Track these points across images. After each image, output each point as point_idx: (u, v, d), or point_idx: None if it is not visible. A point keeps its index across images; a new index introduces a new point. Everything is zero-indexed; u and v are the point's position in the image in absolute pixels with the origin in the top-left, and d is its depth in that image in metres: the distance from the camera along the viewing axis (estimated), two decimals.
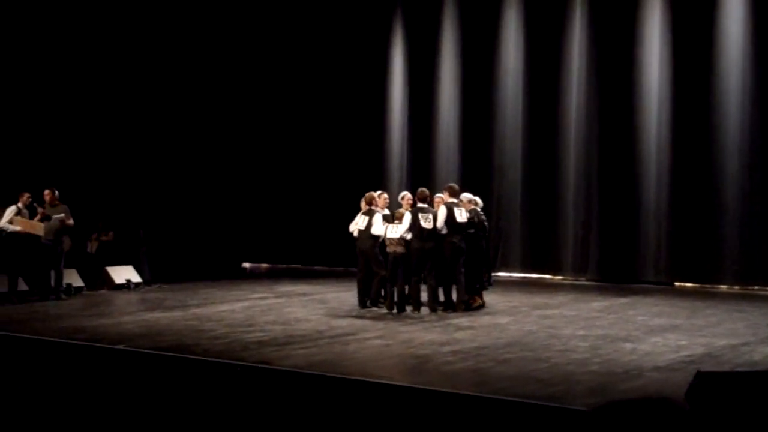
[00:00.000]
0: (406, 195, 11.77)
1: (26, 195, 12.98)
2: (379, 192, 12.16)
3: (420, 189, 11.63)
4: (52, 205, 13.09)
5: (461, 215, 11.24)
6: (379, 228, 11.38)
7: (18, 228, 12.70)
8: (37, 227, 12.75)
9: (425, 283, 11.37)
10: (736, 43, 14.55)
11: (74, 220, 13.28)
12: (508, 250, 16.75)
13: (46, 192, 13.14)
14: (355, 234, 11.76)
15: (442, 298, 11.57)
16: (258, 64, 19.42)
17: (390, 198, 12.33)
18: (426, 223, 11.11)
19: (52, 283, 13.08)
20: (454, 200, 11.39)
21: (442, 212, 11.19)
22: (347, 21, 18.57)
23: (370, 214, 11.62)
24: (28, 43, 15.85)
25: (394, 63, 18.27)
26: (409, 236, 11.17)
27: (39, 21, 15.93)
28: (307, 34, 19.01)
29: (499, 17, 16.89)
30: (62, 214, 13.03)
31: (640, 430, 1.85)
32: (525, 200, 16.62)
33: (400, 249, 11.26)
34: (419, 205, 11.34)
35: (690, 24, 14.96)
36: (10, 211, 12.83)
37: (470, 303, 11.56)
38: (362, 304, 11.72)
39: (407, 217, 11.21)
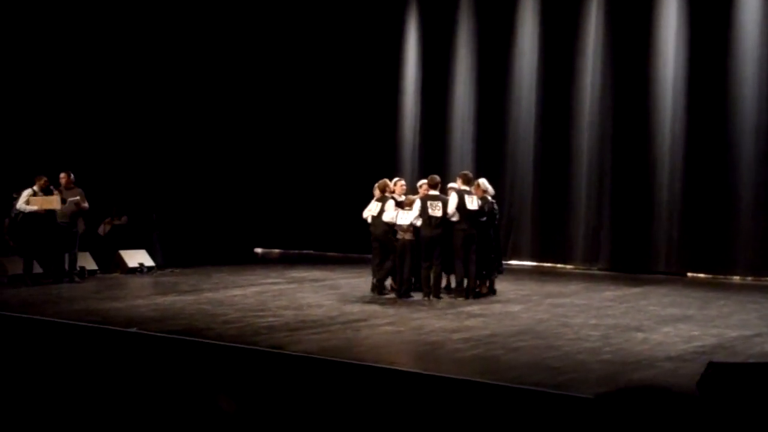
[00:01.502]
0: (424, 183, 11.75)
1: (43, 179, 13.04)
2: (396, 179, 12.15)
3: (430, 176, 11.63)
4: (68, 188, 13.17)
5: (472, 203, 11.22)
6: (390, 214, 11.39)
7: (34, 207, 12.77)
8: (54, 201, 12.81)
9: (434, 270, 11.38)
10: (752, 37, 14.43)
11: (89, 203, 13.35)
12: (519, 239, 16.73)
13: (62, 175, 13.23)
14: (369, 220, 11.78)
15: (452, 284, 11.60)
16: (273, 52, 19.41)
17: (406, 184, 12.30)
18: (434, 210, 11.11)
19: (66, 265, 13.16)
20: (467, 188, 11.37)
21: (453, 199, 11.19)
22: (362, 11, 18.53)
23: (383, 200, 11.63)
24: (47, 30, 15.90)
25: (408, 50, 18.22)
26: (419, 223, 11.18)
27: (56, 9, 15.96)
28: (321, 24, 18.98)
29: (515, 7, 16.81)
30: (77, 197, 13.10)
31: (645, 417, 1.85)
32: (537, 189, 16.58)
33: (408, 236, 11.28)
34: (430, 192, 11.34)
35: (706, 19, 14.84)
36: (27, 194, 12.90)
37: (480, 290, 11.59)
38: (375, 289, 11.75)
39: (417, 204, 11.21)
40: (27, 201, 12.80)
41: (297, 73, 19.39)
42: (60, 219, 12.90)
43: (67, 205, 12.96)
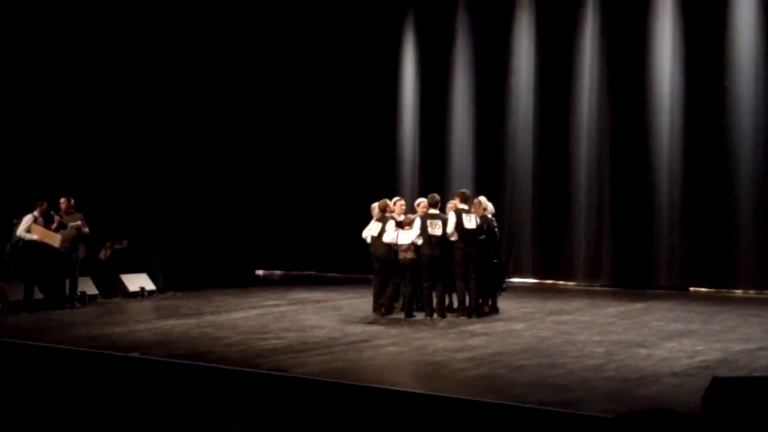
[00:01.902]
0: (422, 202, 11.78)
1: (43, 204, 13.03)
2: (396, 199, 12.16)
3: (430, 195, 11.64)
4: (68, 212, 13.16)
5: (470, 222, 11.22)
6: (390, 235, 11.39)
7: (35, 237, 12.76)
8: (54, 238, 12.79)
9: (435, 289, 11.37)
10: (748, 45, 14.49)
11: (89, 228, 13.34)
12: (520, 256, 16.71)
13: (63, 200, 13.22)
14: (368, 240, 11.77)
15: (454, 304, 11.58)
16: (270, 72, 19.46)
17: (406, 204, 12.30)
18: (434, 229, 11.11)
19: (67, 291, 13.13)
20: (465, 206, 11.38)
21: (451, 219, 11.19)
22: (359, 27, 18.59)
23: (383, 220, 11.63)
24: (43, 52, 15.94)
25: (406, 68, 18.28)
26: (420, 242, 11.17)
27: (50, 28, 16.01)
28: (319, 40, 19.05)
29: (511, 23, 16.88)
30: (78, 222, 13.10)
31: None
32: (537, 206, 16.58)
33: (410, 255, 11.27)
34: (430, 211, 11.34)
35: (702, 28, 14.90)
36: (27, 219, 12.88)
37: (481, 309, 11.56)
38: (377, 310, 11.72)
39: (417, 223, 11.22)
40: (28, 229, 12.79)
41: (295, 95, 19.43)
42: (61, 245, 12.89)
43: (68, 230, 12.95)
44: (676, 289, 14.94)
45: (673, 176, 15.19)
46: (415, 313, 11.45)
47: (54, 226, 12.97)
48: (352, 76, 18.68)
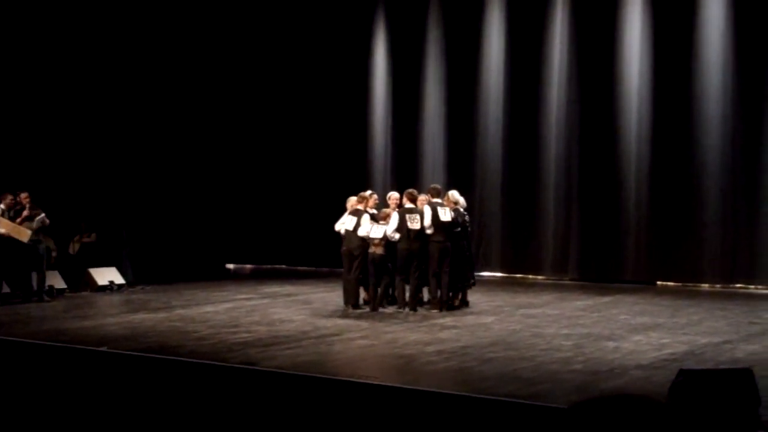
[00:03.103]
0: (392, 195, 11.82)
1: (9, 196, 12.89)
2: (369, 192, 12.17)
3: (408, 190, 11.68)
4: (31, 207, 13.04)
5: (445, 214, 11.27)
6: (365, 228, 11.39)
7: (2, 231, 12.62)
8: (23, 233, 12.67)
9: (408, 282, 11.40)
10: (716, 40, 14.62)
11: (56, 221, 13.25)
12: (489, 250, 16.78)
13: (25, 194, 13.05)
14: (342, 233, 11.75)
15: (425, 297, 11.62)
16: (241, 66, 19.37)
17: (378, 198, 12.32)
18: (413, 223, 11.15)
19: (34, 285, 13.01)
20: (438, 200, 11.43)
21: (427, 212, 11.23)
22: (329, 21, 18.53)
23: (358, 214, 11.61)
24: (8, 41, 15.74)
25: (377, 60, 18.25)
26: (396, 236, 11.18)
27: (24, 21, 15.82)
28: (288, 35, 18.96)
29: (482, 16, 16.91)
30: (42, 215, 12.98)
31: (618, 428, 1.87)
32: (505, 200, 16.64)
33: (380, 250, 11.28)
34: (407, 205, 11.37)
35: (670, 22, 15.01)
36: None
37: (452, 303, 11.62)
38: (347, 304, 11.72)
39: (394, 217, 11.24)
40: None
41: (265, 87, 19.35)
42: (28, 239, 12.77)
43: (33, 223, 12.83)
44: (643, 283, 15.09)
45: (641, 171, 15.33)
46: (386, 306, 11.48)
47: (21, 218, 12.83)
48: (323, 69, 18.62)
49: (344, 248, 11.72)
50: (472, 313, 11.30)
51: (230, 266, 19.58)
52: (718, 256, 14.64)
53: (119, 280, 14.69)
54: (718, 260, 14.65)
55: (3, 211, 12.80)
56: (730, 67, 14.56)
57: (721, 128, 14.62)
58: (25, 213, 12.84)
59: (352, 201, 11.92)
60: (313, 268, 18.14)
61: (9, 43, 15.70)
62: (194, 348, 8.75)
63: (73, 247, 15.53)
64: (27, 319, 11.27)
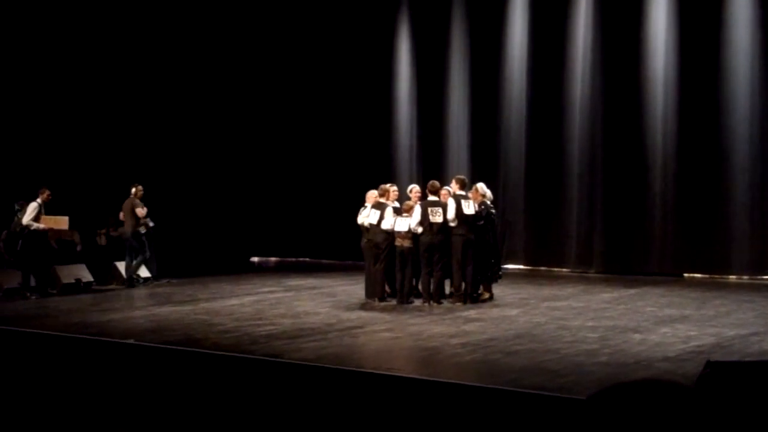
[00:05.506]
0: (414, 188, 11.79)
1: (46, 191, 13.03)
2: (389, 184, 12.16)
3: (431, 182, 11.63)
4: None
5: (469, 207, 11.23)
6: (389, 221, 11.38)
7: (42, 226, 12.82)
8: (61, 221, 12.92)
9: (432, 276, 11.37)
10: (744, 29, 14.44)
11: (84, 215, 13.53)
12: (513, 243, 16.70)
13: (48, 191, 13.22)
14: (366, 226, 11.72)
15: (448, 290, 11.60)
16: (265, 58, 19.41)
17: (399, 190, 12.28)
18: (435, 216, 11.11)
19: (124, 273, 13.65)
20: (462, 192, 11.39)
21: (451, 205, 11.18)
22: (354, 15, 18.53)
23: (381, 207, 11.59)
24: (31, 43, 15.87)
25: (401, 55, 18.22)
26: (420, 229, 11.16)
27: (39, 24, 15.94)
28: (313, 27, 18.98)
29: (505, 8, 16.83)
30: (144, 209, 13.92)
31: (643, 413, 1.84)
32: (529, 192, 16.56)
33: (407, 243, 11.26)
34: (430, 198, 11.33)
35: (697, 11, 14.86)
36: (33, 208, 12.86)
37: (478, 296, 11.59)
38: (371, 296, 11.72)
39: (417, 210, 11.21)
40: (36, 218, 12.79)
41: (291, 81, 19.38)
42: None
43: (143, 210, 13.93)
44: (669, 275, 14.96)
45: (667, 163, 15.19)
46: (413, 299, 11.47)
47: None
48: (348, 64, 18.63)
49: (366, 241, 11.71)
50: (496, 306, 11.27)
51: (255, 259, 19.66)
52: (746, 247, 14.49)
53: (145, 273, 14.79)
54: (746, 252, 14.50)
55: (40, 205, 12.93)
56: (759, 56, 14.37)
57: (748, 118, 14.45)
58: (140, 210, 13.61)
59: (371, 194, 11.90)
60: (337, 261, 18.16)
61: (38, 46, 15.84)
62: (219, 340, 8.79)
63: (100, 240, 15.63)
64: (55, 312, 11.39)
